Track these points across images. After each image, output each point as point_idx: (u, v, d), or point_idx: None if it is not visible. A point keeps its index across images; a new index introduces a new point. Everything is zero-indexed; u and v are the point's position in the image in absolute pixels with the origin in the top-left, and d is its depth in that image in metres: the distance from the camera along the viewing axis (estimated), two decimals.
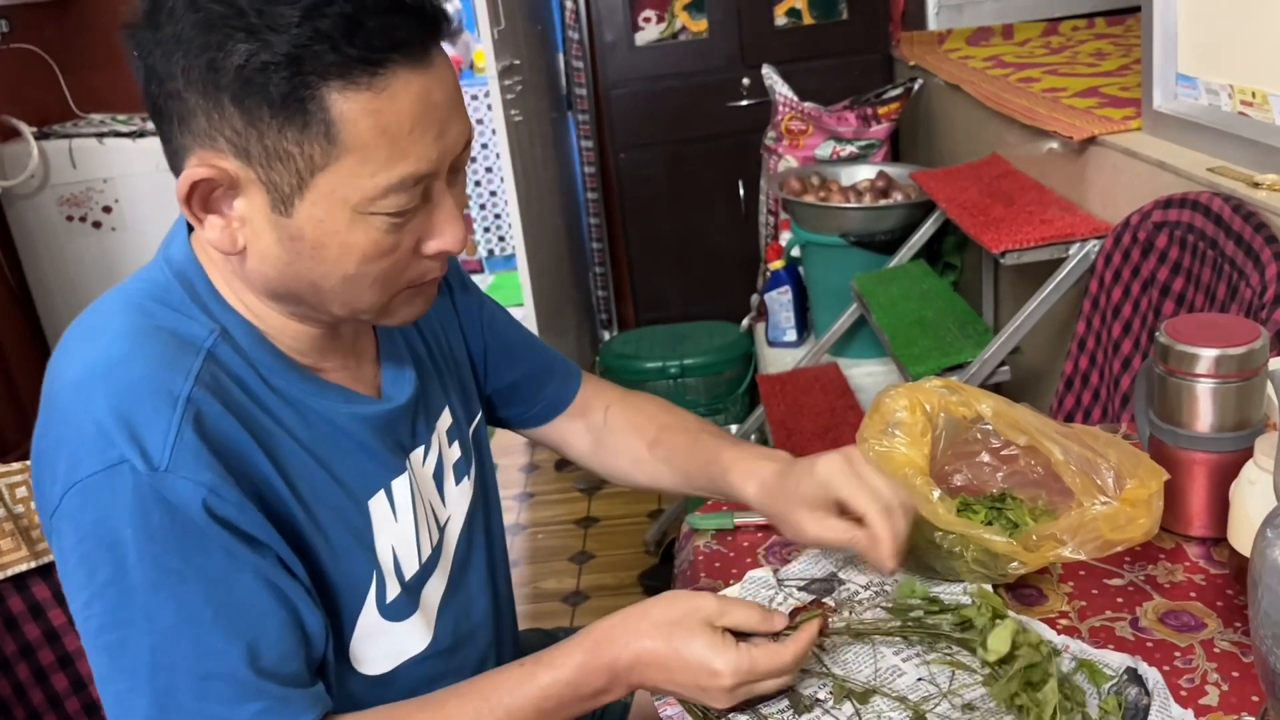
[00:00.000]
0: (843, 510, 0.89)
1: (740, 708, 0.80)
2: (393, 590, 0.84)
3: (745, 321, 3.29)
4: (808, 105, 2.86)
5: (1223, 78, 1.58)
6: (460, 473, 0.95)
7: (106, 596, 0.69)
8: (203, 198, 0.72)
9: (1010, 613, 0.85)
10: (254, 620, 0.72)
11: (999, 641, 0.80)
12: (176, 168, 0.73)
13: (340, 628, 0.81)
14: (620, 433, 1.09)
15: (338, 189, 0.70)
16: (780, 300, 2.88)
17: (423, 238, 0.76)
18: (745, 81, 3.39)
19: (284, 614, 0.73)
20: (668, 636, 0.76)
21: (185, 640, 0.70)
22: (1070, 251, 1.77)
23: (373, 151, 0.69)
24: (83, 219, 2.81)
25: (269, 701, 0.71)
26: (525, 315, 3.04)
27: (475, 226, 5.04)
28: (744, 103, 3.43)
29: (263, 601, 0.72)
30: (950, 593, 0.91)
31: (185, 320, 0.76)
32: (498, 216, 5.02)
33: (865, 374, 2.55)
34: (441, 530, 0.91)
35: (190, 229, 0.80)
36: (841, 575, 0.97)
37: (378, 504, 0.84)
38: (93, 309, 0.78)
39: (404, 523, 0.85)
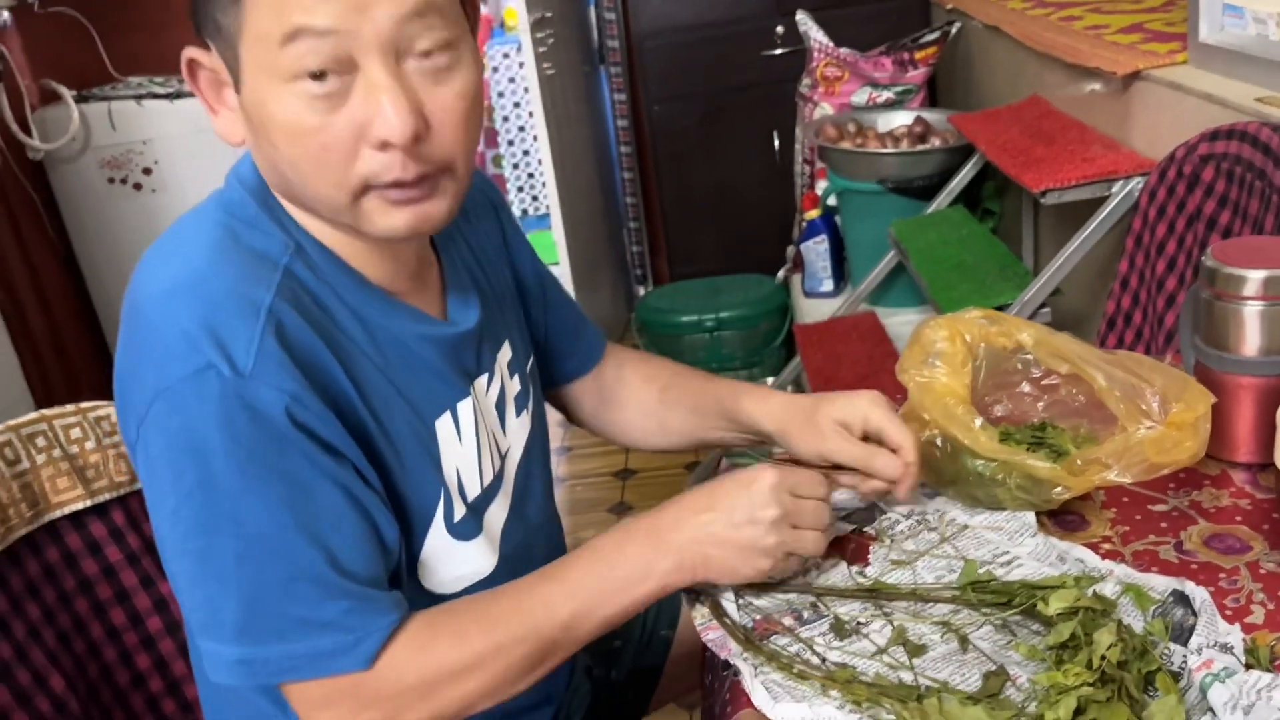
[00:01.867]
0: (866, 440, 0.94)
1: (778, 630, 0.81)
2: (459, 510, 0.85)
3: (781, 273, 3.27)
4: (843, 51, 2.82)
5: (1270, 6, 1.53)
6: (520, 406, 0.96)
7: (194, 501, 0.71)
8: (209, 91, 0.77)
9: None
10: (334, 525, 0.73)
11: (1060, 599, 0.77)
12: None
13: (410, 544, 0.82)
14: (631, 383, 1.10)
15: (252, 53, 0.72)
16: (816, 250, 2.86)
17: (363, 125, 0.72)
18: (779, 29, 3.35)
19: (362, 521, 0.75)
20: (707, 489, 0.81)
21: (270, 543, 0.71)
22: (1113, 189, 1.74)
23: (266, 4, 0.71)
24: (123, 180, 2.84)
25: (354, 601, 0.73)
26: (560, 273, 3.05)
27: (509, 186, 5.03)
28: (778, 51, 3.38)
29: (341, 508, 0.74)
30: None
31: (262, 236, 0.78)
32: (530, 176, 5.02)
33: (903, 322, 2.53)
34: (503, 458, 0.93)
35: None
36: (882, 504, 0.97)
37: (443, 425, 0.85)
38: (171, 231, 0.81)
39: (467, 445, 0.87)
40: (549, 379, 1.10)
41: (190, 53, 0.76)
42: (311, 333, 0.75)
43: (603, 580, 0.79)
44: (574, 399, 1.12)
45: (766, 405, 1.00)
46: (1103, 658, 0.71)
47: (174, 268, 0.75)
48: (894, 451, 0.91)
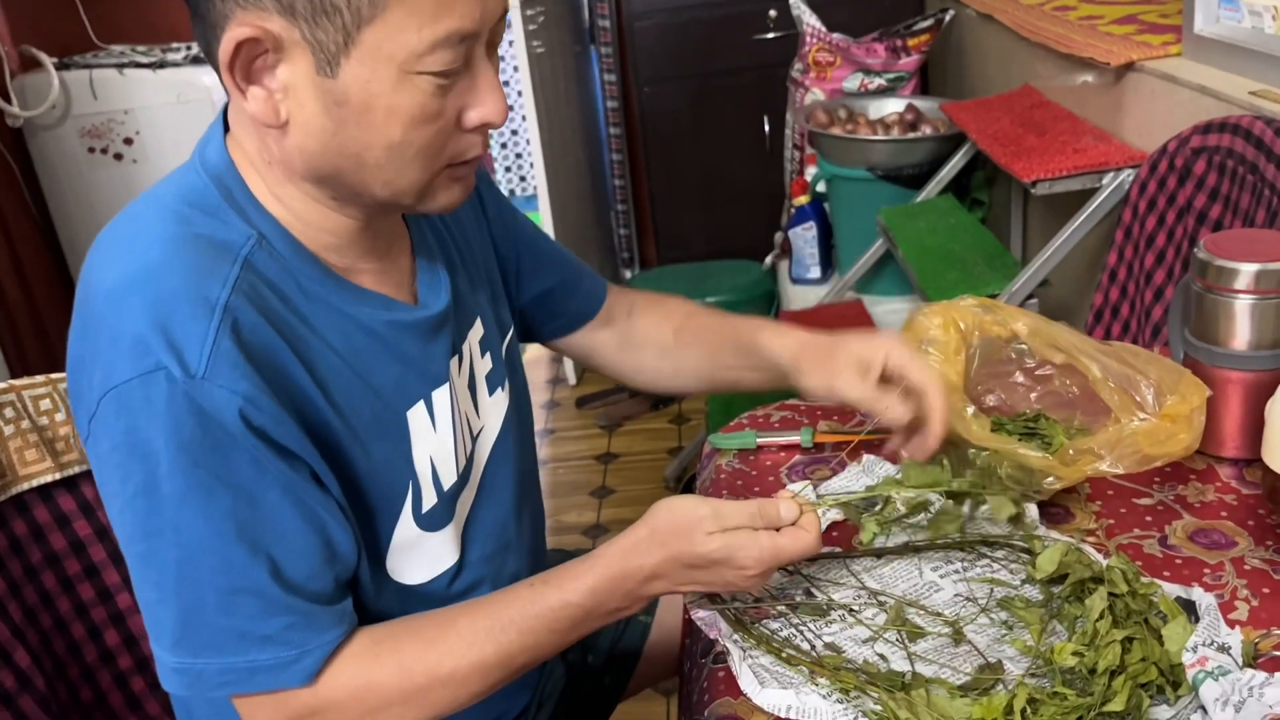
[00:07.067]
0: (886, 384, 0.90)
1: (770, 615, 0.80)
2: (429, 500, 0.83)
3: (768, 259, 3.25)
4: (836, 37, 2.80)
5: None
6: (494, 384, 0.94)
7: (137, 506, 0.69)
8: (245, 66, 0.70)
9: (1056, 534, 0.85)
10: (280, 536, 0.71)
11: (1048, 561, 0.79)
12: (213, 44, 0.70)
13: (377, 538, 0.80)
14: (645, 323, 1.09)
15: (384, 45, 0.69)
16: (805, 236, 2.85)
17: (464, 108, 0.74)
18: (772, 13, 3.32)
19: (311, 532, 0.73)
20: (687, 542, 0.75)
21: (212, 554, 0.69)
22: (1104, 181, 1.73)
23: (419, 4, 0.68)
24: (104, 150, 2.80)
25: (295, 617, 0.71)
26: None
27: (496, 166, 5.00)
28: (770, 35, 3.36)
29: (290, 518, 0.71)
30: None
31: (222, 226, 0.75)
32: (519, 156, 4.98)
33: (890, 311, 2.53)
34: (474, 440, 0.90)
35: (225, 131, 0.79)
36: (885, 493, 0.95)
37: (416, 414, 0.82)
38: (127, 214, 0.77)
39: (443, 434, 0.84)
40: (556, 331, 1.09)
41: (245, 31, 0.67)
42: (270, 330, 0.72)
43: (562, 633, 0.77)
44: (591, 347, 1.10)
45: (784, 339, 0.98)
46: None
47: (127, 260, 0.71)
48: (917, 394, 0.88)
